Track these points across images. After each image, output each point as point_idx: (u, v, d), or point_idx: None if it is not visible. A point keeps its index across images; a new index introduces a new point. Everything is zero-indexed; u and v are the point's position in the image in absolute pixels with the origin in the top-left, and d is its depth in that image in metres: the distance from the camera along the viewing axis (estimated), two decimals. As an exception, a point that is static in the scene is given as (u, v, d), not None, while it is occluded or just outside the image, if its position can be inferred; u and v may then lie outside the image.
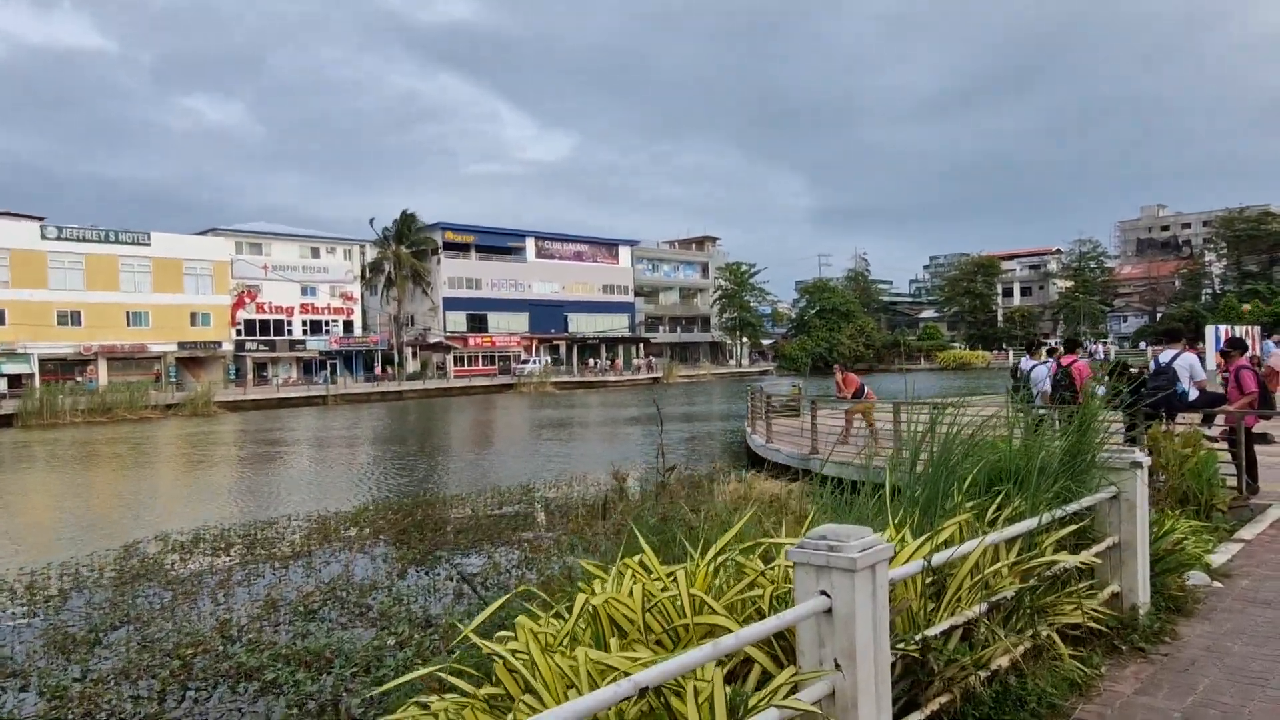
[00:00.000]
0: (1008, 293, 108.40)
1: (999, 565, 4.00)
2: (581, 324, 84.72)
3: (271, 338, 67.34)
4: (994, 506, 4.46)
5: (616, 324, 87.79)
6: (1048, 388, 11.27)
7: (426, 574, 9.98)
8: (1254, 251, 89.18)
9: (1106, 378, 10.57)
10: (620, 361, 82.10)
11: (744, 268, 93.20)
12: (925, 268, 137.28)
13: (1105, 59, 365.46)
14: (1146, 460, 5.01)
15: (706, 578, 3.64)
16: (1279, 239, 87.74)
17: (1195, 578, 5.86)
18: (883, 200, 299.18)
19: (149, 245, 60.41)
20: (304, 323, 69.37)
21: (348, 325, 72.39)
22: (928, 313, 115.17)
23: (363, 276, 73.96)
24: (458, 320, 76.69)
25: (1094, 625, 4.45)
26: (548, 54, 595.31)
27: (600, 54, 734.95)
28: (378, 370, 70.54)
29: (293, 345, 68.11)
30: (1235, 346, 10.54)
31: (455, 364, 75.35)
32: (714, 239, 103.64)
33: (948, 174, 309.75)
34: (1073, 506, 4.57)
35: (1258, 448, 15.63)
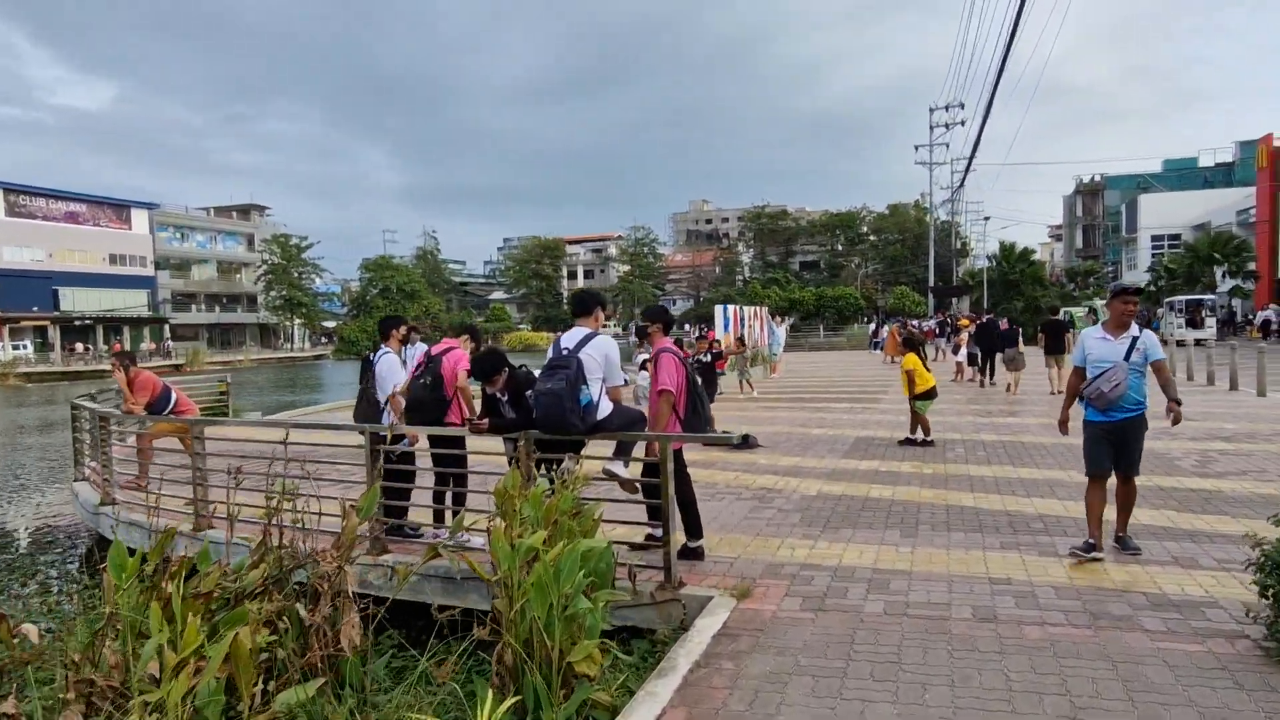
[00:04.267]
0: (573, 275, 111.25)
1: None
2: (79, 301, 68.84)
3: None
4: None
5: (131, 301, 72.95)
6: (398, 387, 7.05)
7: None
8: (773, 244, 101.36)
9: (480, 378, 6.64)
10: (126, 345, 68.01)
11: (294, 241, 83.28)
12: (500, 249, 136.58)
13: (677, 66, 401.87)
14: None
15: None
16: (791, 234, 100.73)
17: None
18: (473, 181, 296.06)
19: None
20: None
21: None
22: (498, 294, 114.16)
23: None
24: (-124, 293, 57.42)
25: None
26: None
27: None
28: None
29: None
30: (654, 319, 6.55)
31: (-123, 352, 56.33)
32: (262, 208, 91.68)
33: (535, 159, 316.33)
34: None
35: (740, 455, 10.99)
